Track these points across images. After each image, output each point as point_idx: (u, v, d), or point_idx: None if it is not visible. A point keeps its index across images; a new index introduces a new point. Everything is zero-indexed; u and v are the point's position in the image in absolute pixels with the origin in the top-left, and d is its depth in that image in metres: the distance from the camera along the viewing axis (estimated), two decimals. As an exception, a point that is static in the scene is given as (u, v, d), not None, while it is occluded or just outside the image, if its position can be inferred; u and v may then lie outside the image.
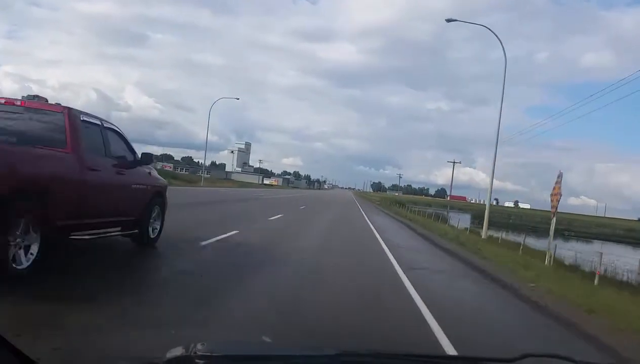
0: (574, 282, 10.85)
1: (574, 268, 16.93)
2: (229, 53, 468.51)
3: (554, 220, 15.73)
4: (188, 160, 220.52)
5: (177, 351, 1.52)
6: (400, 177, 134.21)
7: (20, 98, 6.78)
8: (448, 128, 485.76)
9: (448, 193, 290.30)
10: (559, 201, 15.02)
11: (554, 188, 15.33)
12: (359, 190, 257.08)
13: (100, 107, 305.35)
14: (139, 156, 7.92)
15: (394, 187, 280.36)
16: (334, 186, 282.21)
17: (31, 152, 5.51)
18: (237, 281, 6.76)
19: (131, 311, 4.70)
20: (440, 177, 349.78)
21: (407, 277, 8.91)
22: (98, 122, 7.01)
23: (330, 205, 37.53)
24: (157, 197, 8.67)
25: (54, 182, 5.55)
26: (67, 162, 5.89)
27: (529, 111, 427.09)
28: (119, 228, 7.33)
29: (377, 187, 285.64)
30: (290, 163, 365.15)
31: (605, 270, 15.03)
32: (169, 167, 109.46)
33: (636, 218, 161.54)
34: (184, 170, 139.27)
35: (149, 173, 8.48)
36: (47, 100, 6.83)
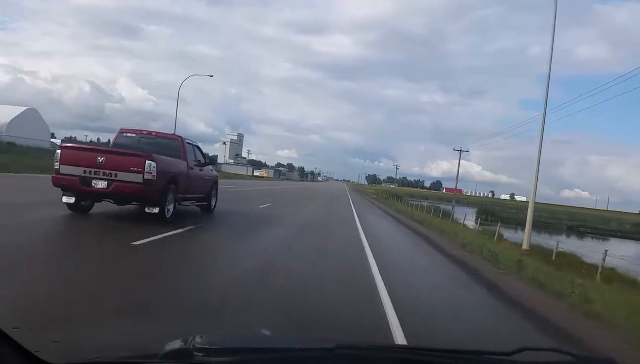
0: None
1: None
2: (224, 45, 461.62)
3: None
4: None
5: (176, 344, 1.58)
6: (397, 169, 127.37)
7: (153, 131, 13.26)
8: (443, 121, 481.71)
9: (444, 185, 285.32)
10: None
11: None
12: (353, 182, 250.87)
13: (94, 99, 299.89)
14: (208, 159, 15.08)
15: (389, 179, 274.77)
16: (328, 179, 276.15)
17: (172, 160, 11.30)
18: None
19: (206, 229, 11.22)
20: (434, 169, 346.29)
21: None
22: (192, 142, 13.52)
23: (310, 202, 28.87)
24: (214, 184, 14.94)
25: (178, 175, 11.35)
26: (182, 164, 11.86)
27: (523, 103, 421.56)
28: (196, 201, 13.64)
29: (372, 180, 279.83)
30: (285, 155, 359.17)
31: None
32: None
33: (637, 211, 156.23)
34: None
35: (212, 169, 15.53)
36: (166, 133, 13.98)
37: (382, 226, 18.68)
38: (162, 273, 6.54)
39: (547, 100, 18.71)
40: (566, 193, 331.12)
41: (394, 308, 5.73)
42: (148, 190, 9.99)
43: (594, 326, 6.23)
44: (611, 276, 12.98)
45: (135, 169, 9.83)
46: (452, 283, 9.19)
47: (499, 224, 23.38)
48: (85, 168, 9.81)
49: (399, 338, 4.63)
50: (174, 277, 6.20)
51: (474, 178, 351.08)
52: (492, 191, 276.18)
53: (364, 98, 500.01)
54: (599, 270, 12.27)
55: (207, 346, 1.53)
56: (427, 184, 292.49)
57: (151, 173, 9.93)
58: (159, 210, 10.45)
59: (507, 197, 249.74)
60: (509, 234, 32.02)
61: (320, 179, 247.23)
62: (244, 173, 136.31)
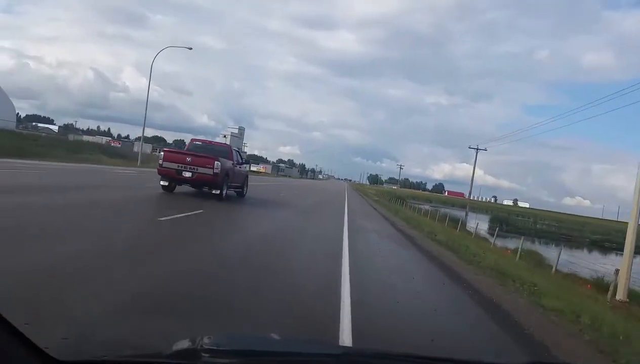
0: None
1: None
2: (229, 37, 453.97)
3: None
4: (179, 143, 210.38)
5: (184, 344, 1.59)
6: (401, 169, 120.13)
7: (212, 141, 23.77)
8: (446, 123, 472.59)
9: (446, 188, 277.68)
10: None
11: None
12: (355, 181, 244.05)
13: (98, 87, 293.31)
14: (244, 160, 21.67)
15: (391, 180, 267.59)
16: (329, 177, 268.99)
17: (226, 160, 17.13)
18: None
19: (241, 202, 18.90)
20: (437, 171, 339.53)
21: None
22: (236, 148, 21.40)
23: (284, 208, 19.77)
24: (246, 177, 20.83)
25: (229, 170, 17.16)
26: (230, 164, 17.42)
27: (527, 109, 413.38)
28: (234, 189, 19.09)
29: (374, 180, 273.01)
30: (287, 151, 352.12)
31: None
32: (117, 143, 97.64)
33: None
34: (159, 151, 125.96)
35: (246, 167, 21.46)
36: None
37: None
38: (229, 219, 13.89)
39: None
40: (567, 200, 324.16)
41: None
42: (215, 179, 16.14)
43: None
44: None
45: (209, 166, 15.93)
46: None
47: (559, 254, 16.45)
48: (178, 164, 16.01)
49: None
50: (231, 222, 13.46)
51: (476, 182, 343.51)
52: (494, 197, 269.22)
53: (367, 97, 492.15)
54: None
55: (215, 348, 1.55)
56: (429, 186, 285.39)
57: (217, 169, 16.06)
58: (220, 192, 16.63)
59: (510, 203, 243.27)
60: (551, 255, 25.27)
61: (322, 177, 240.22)
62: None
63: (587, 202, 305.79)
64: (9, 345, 1.26)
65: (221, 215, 13.91)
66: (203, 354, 1.48)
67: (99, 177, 21.69)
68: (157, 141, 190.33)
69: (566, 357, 5.28)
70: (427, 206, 70.61)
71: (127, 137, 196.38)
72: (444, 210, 75.08)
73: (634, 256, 12.77)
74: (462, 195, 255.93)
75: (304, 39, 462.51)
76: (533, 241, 42.61)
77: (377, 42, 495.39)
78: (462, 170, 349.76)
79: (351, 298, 5.95)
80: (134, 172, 30.97)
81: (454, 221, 38.86)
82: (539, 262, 20.80)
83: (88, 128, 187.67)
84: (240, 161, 20.02)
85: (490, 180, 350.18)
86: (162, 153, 17.25)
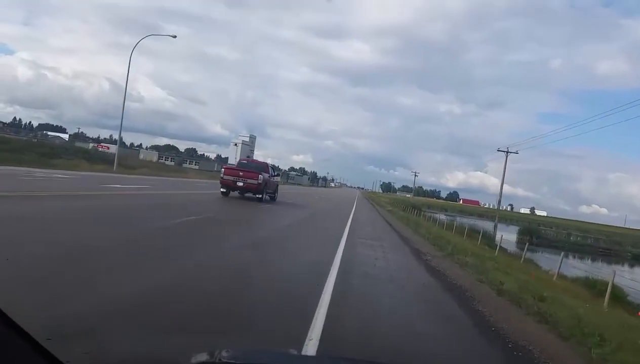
0: None
1: None
2: (242, 47, 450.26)
3: None
4: (191, 151, 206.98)
5: (202, 357, 1.63)
6: (416, 176, 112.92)
7: (254, 159, 36.60)
8: (459, 132, 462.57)
9: (460, 196, 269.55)
10: None
11: None
12: (367, 190, 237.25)
13: (113, 97, 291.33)
14: (276, 173, 29.40)
15: (404, 188, 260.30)
16: (341, 185, 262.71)
17: (265, 174, 23.54)
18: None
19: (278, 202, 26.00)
20: (450, 180, 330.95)
21: None
22: (270, 165, 27.55)
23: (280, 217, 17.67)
24: (277, 186, 27.64)
25: (267, 181, 23.56)
26: (267, 176, 23.78)
27: (541, 117, 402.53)
28: (268, 196, 24.87)
29: (387, 188, 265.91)
30: (300, 160, 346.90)
31: None
32: (107, 148, 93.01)
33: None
34: (169, 159, 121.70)
35: (278, 178, 29.56)
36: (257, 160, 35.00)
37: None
38: (266, 214, 18.05)
39: None
40: (584, 209, 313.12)
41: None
42: (259, 187, 22.38)
43: None
44: None
45: (255, 178, 22.20)
46: None
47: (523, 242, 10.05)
48: (234, 177, 22.35)
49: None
50: (270, 215, 17.66)
51: (489, 190, 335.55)
52: (510, 205, 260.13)
53: (380, 106, 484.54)
54: None
55: (233, 361, 1.56)
56: (443, 194, 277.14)
57: (260, 180, 22.27)
58: (261, 196, 23.00)
59: (527, 211, 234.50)
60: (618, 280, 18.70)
61: (333, 185, 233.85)
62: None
63: (603, 210, 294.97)
64: (33, 360, 1.28)
65: (265, 210, 19.88)
66: None
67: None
68: (169, 149, 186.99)
69: None
70: (442, 216, 64.08)
71: (140, 145, 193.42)
72: (463, 220, 68.49)
73: None
74: (477, 203, 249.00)
75: (317, 49, 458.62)
76: (574, 257, 35.92)
77: (390, 51, 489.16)
78: (476, 178, 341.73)
79: None
80: (98, 176, 25.38)
81: (486, 237, 32.39)
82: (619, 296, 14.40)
83: (98, 137, 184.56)
84: (274, 174, 26.94)
85: (505, 188, 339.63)
86: (223, 169, 24.26)
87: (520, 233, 52.47)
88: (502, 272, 10.98)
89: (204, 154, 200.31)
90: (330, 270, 7.83)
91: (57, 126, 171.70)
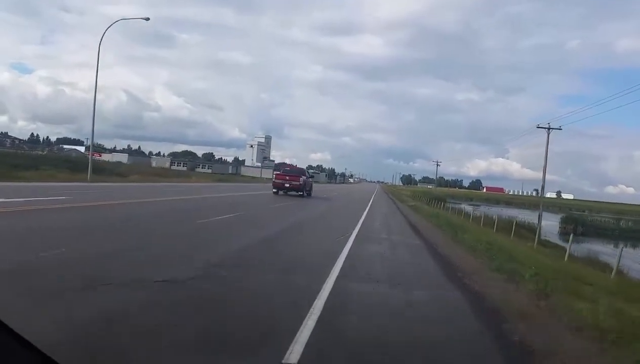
0: None
1: None
2: (254, 50, 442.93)
3: None
4: (208, 156, 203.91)
5: None
6: (438, 166, 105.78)
7: (295, 165, 51.88)
8: (479, 119, 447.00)
9: (483, 184, 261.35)
10: None
11: None
12: (388, 183, 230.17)
13: (132, 108, 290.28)
14: (310, 175, 42.69)
15: (425, 179, 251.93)
16: (360, 180, 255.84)
17: (304, 177, 34.12)
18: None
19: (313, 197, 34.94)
20: (472, 168, 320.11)
21: None
22: (305, 169, 43.33)
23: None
24: (312, 185, 37.83)
25: (305, 181, 33.77)
26: (305, 177, 34.23)
27: (561, 100, 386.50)
28: (306, 192, 34.04)
29: (407, 180, 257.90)
30: (318, 158, 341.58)
31: None
32: (98, 155, 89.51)
33: None
34: (182, 164, 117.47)
35: (312, 179, 40.92)
36: (293, 165, 54.65)
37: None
38: (302, 205, 25.73)
39: None
40: (610, 189, 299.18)
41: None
42: (300, 186, 31.99)
43: None
44: None
45: (297, 180, 32.16)
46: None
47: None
48: (282, 180, 32.49)
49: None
50: (306, 205, 26.02)
51: (513, 176, 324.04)
52: (536, 190, 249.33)
53: (396, 99, 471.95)
54: None
55: None
56: (466, 183, 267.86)
57: (301, 181, 32.17)
58: (302, 193, 32.45)
59: (554, 195, 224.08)
60: None
61: (352, 181, 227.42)
62: (267, 176, 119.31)
63: (630, 190, 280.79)
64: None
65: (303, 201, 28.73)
66: None
67: None
68: (186, 156, 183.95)
69: None
70: (468, 206, 57.96)
71: (159, 153, 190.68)
72: (493, 209, 62.12)
73: None
74: (501, 190, 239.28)
75: (329, 46, 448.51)
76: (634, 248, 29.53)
77: (403, 43, 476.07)
78: (498, 165, 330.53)
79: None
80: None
81: (533, 231, 26.34)
82: None
83: (114, 147, 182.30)
84: (309, 175, 38.10)
85: (528, 173, 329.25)
86: (274, 174, 37.21)
87: (564, 222, 45.79)
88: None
89: (221, 158, 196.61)
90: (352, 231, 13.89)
91: (74, 139, 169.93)
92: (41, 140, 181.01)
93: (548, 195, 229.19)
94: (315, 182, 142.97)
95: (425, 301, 6.65)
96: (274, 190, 32.07)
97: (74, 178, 31.55)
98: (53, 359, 1.33)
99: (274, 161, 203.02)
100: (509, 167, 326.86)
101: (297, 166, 45.72)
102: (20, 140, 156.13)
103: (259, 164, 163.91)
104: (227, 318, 4.78)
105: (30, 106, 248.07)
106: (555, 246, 22.09)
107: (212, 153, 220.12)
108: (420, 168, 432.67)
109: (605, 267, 14.61)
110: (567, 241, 31.90)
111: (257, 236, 11.05)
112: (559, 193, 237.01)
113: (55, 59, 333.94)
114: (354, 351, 4.29)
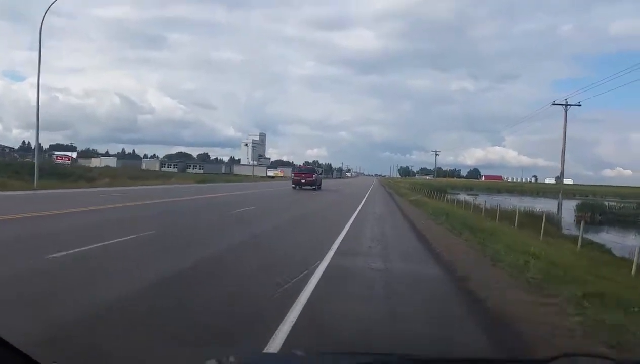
0: None
1: None
2: (246, 48, 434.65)
3: None
4: (203, 156, 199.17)
5: (211, 363, 1.61)
6: (437, 156, 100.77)
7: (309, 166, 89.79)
8: (474, 108, 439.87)
9: (482, 173, 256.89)
10: None
11: None
12: (385, 176, 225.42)
13: (125, 111, 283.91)
14: (321, 171, 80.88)
15: (423, 171, 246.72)
16: (358, 174, 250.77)
17: (316, 174, 47.67)
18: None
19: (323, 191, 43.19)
20: (469, 157, 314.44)
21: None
22: (316, 168, 62.55)
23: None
24: (321, 180, 50.36)
25: (317, 177, 46.42)
26: (316, 175, 47.14)
27: (556, 85, 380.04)
28: (317, 186, 44.68)
29: (405, 172, 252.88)
30: (315, 154, 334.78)
31: None
32: (67, 159, 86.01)
33: None
34: (173, 166, 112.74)
35: (321, 175, 61.83)
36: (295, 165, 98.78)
37: None
38: (310, 197, 32.90)
39: None
40: (607, 172, 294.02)
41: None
42: (314, 182, 42.89)
43: None
44: None
45: (311, 177, 43.78)
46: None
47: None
48: (300, 177, 43.47)
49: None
50: (316, 197, 33.35)
51: (510, 163, 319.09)
52: (534, 176, 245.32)
53: (391, 91, 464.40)
54: None
55: None
56: (464, 173, 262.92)
57: (314, 177, 43.83)
58: (315, 187, 42.57)
59: (553, 181, 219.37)
60: None
61: (349, 175, 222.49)
62: (261, 174, 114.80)
63: (628, 172, 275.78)
64: None
65: (315, 192, 37.89)
66: None
67: None
68: (181, 157, 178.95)
69: None
70: (469, 197, 53.40)
71: (154, 155, 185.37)
72: (498, 198, 57.73)
73: None
74: (500, 178, 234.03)
75: (322, 41, 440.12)
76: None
77: (396, 35, 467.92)
78: (495, 153, 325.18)
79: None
80: None
81: (554, 223, 21.81)
82: None
83: (106, 152, 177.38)
84: (320, 172, 55.06)
85: (525, 160, 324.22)
86: (293, 174, 47.99)
87: (580, 209, 41.28)
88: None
89: (217, 158, 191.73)
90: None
91: (67, 145, 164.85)
92: (33, 147, 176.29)
93: (547, 181, 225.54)
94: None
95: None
96: (293, 185, 42.60)
97: (23, 186, 26.98)
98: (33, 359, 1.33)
99: (269, 159, 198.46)
100: (506, 155, 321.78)
101: (308, 165, 61.25)
102: (10, 148, 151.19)
103: (255, 162, 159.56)
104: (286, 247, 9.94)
105: (24, 114, 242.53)
106: (601, 247, 17.61)
107: (207, 153, 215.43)
108: (417, 159, 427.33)
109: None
110: (597, 233, 27.50)
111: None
112: (558, 178, 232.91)
113: (47, 65, 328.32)
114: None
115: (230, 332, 4.49)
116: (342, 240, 11.31)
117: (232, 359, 1.58)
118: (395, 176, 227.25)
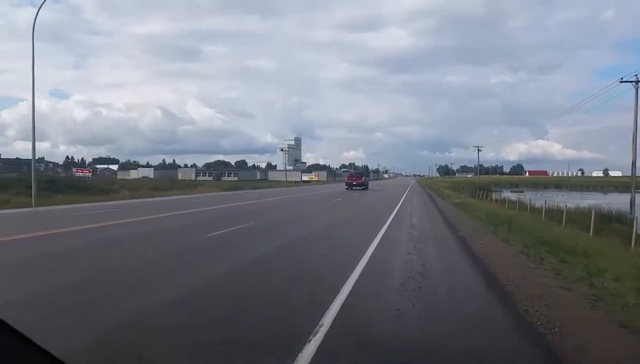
0: None
1: None
2: (280, 55, 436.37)
3: None
4: (241, 164, 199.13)
5: None
6: (479, 151, 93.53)
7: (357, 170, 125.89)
8: (514, 101, 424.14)
9: (525, 168, 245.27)
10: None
11: None
12: (425, 176, 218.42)
13: (167, 123, 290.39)
14: (369, 174, 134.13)
15: (463, 169, 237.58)
16: (396, 175, 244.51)
17: (365, 177, 63.90)
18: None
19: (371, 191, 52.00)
20: (511, 153, 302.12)
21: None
22: (363, 172, 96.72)
23: None
24: (368, 182, 67.81)
25: (366, 179, 62.00)
26: (365, 177, 63.94)
27: (599, 74, 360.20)
28: (366, 187, 57.49)
29: (445, 171, 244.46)
30: (351, 156, 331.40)
31: None
32: (88, 171, 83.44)
33: None
34: (208, 174, 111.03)
35: (369, 178, 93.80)
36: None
37: None
38: (360, 196, 39.74)
39: None
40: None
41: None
42: (364, 183, 55.85)
43: None
44: None
45: (361, 179, 57.35)
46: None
47: None
48: (352, 180, 56.30)
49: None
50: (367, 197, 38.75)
51: (554, 157, 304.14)
52: (581, 170, 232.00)
53: (426, 89, 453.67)
54: None
55: None
56: (506, 169, 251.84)
57: (363, 179, 58.12)
58: (364, 188, 54.16)
59: (600, 174, 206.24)
60: None
61: (387, 176, 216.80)
62: (296, 178, 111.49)
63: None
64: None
65: (364, 192, 45.70)
66: None
67: None
68: (218, 165, 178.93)
69: None
70: (512, 194, 48.15)
71: (193, 165, 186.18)
72: (548, 195, 52.00)
73: None
74: (545, 173, 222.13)
75: (354, 43, 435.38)
76: None
77: (429, 32, 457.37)
78: (538, 147, 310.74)
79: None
80: None
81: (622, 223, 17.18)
82: None
83: (147, 163, 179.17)
84: (367, 175, 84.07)
85: (570, 153, 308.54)
86: (345, 177, 66.98)
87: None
88: None
89: (254, 165, 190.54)
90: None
91: (110, 158, 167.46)
92: (77, 161, 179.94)
93: (594, 174, 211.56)
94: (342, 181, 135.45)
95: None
96: (346, 187, 53.76)
97: (23, 203, 24.12)
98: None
99: (305, 163, 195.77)
100: (550, 148, 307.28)
101: (357, 169, 73.65)
102: (54, 163, 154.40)
103: (290, 167, 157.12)
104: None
105: (69, 130, 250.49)
106: None
107: (244, 160, 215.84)
108: (457, 157, 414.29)
109: None
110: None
111: None
112: (605, 171, 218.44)
113: (90, 82, 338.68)
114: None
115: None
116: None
117: None
118: (434, 175, 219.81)
